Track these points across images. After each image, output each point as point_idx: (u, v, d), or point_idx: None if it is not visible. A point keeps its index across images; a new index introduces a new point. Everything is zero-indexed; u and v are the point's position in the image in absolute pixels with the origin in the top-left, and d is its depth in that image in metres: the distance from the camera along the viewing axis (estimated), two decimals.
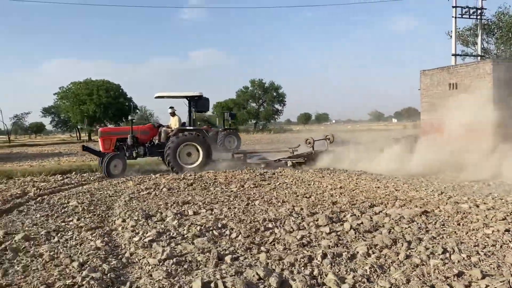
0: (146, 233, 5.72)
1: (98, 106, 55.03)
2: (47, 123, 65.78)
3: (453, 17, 20.19)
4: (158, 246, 5.13)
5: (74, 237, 5.82)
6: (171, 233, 5.76)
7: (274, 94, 76.42)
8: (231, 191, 9.49)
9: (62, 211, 7.74)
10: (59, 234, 5.98)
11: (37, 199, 9.04)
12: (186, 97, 14.54)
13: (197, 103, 14.40)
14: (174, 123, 14.59)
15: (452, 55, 20.43)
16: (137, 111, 63.45)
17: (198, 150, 13.99)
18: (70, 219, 7.00)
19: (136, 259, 4.73)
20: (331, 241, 5.13)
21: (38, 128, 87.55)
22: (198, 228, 5.90)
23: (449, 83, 15.74)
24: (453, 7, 20.07)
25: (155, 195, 9.29)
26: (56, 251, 5.07)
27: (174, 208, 7.66)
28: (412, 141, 17.64)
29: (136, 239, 5.50)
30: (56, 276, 4.12)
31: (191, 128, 14.33)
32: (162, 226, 6.24)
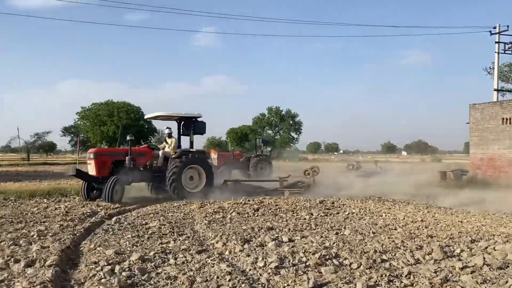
0: (266, 259, 5.54)
1: (118, 128, 55.39)
2: (65, 142, 66.18)
3: (496, 52, 20.25)
4: (288, 272, 4.95)
5: (188, 259, 5.65)
6: (290, 260, 5.58)
7: (291, 122, 76.71)
8: (304, 218, 9.30)
9: (149, 231, 7.59)
10: (170, 256, 5.82)
11: (112, 219, 8.94)
12: (184, 118, 13.45)
13: (195, 125, 13.44)
14: (170, 145, 13.43)
15: (495, 90, 20.41)
16: (156, 134, 63.66)
17: (200, 174, 13.15)
18: (166, 240, 6.84)
19: (281, 286, 4.54)
20: (473, 278, 4.91)
21: (50, 147, 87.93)
22: (317, 256, 5.70)
23: (502, 118, 15.62)
24: (496, 42, 20.17)
25: (230, 219, 9.12)
26: (187, 274, 4.91)
27: (263, 233, 7.48)
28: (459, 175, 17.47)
29: (260, 264, 5.32)
30: None
31: (195, 150, 13.41)
32: (273, 251, 6.05)
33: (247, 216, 9.54)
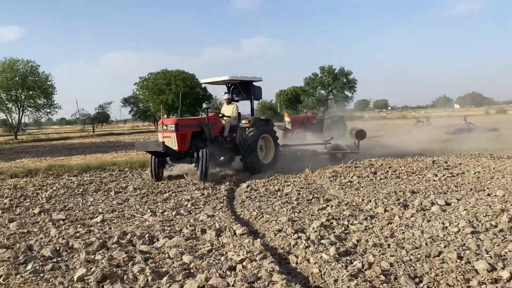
0: (452, 223, 5.43)
1: (177, 96, 56.27)
2: (126, 112, 68.31)
3: None
4: (490, 238, 4.81)
5: (367, 225, 5.63)
6: (479, 224, 5.43)
7: (344, 80, 74.80)
8: (433, 180, 9.06)
9: (293, 198, 7.64)
10: (344, 221, 5.83)
11: (241, 187, 9.11)
12: (244, 82, 12.01)
13: (255, 90, 12.13)
14: (230, 112, 11.84)
15: None
16: (211, 100, 64.20)
17: (269, 144, 11.92)
18: (320, 206, 6.85)
19: (497, 251, 4.42)
20: None
21: (104, 118, 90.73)
22: (505, 219, 5.51)
23: None
24: None
25: (359, 183, 9.04)
26: (388, 240, 4.89)
27: (410, 197, 7.35)
28: None
29: (453, 229, 5.21)
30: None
31: (264, 117, 12.22)
32: (449, 215, 5.93)
33: (370, 180, 9.42)
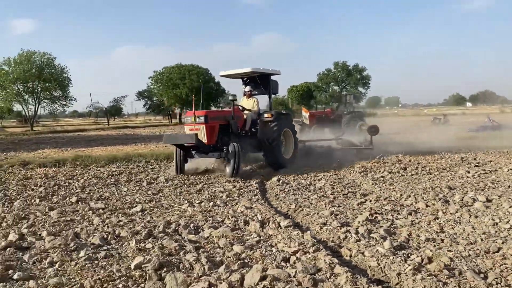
0: (503, 219, 5.34)
1: (191, 90, 56.40)
2: (140, 106, 68.34)
3: None
4: None
5: (413, 219, 5.57)
6: None
7: (358, 76, 74.32)
8: (466, 176, 8.94)
9: (328, 192, 7.59)
10: (388, 216, 5.78)
11: (271, 181, 9.07)
12: (263, 75, 11.58)
13: (272, 83, 11.71)
14: (251, 106, 11.40)
15: None
16: (225, 95, 64.28)
17: (289, 139, 11.59)
18: (359, 201, 6.80)
19: None
20: None
21: (116, 111, 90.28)
22: None
23: None
24: None
25: (391, 178, 8.96)
26: (438, 234, 4.82)
27: (449, 193, 7.26)
28: None
29: (504, 225, 5.12)
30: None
31: (284, 111, 12.28)
32: (494, 211, 5.84)
33: (401, 175, 9.33)
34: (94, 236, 5.10)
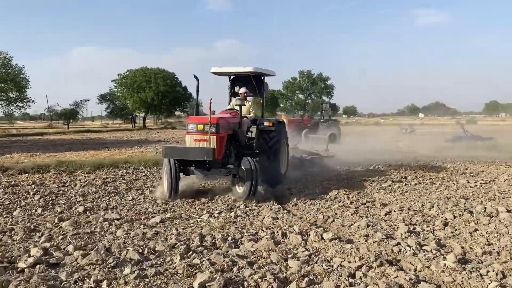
0: None
1: (156, 94, 55.21)
2: (97, 109, 65.63)
3: None
4: None
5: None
6: None
7: (322, 85, 75.63)
8: (470, 186, 9.09)
9: (346, 201, 7.46)
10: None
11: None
12: (259, 75, 9.93)
13: (264, 86, 10.12)
14: (246, 110, 9.50)
15: None
16: (191, 100, 63.35)
17: (284, 150, 10.12)
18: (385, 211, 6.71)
19: None
20: None
21: (71, 115, 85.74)
22: None
23: None
24: None
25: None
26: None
27: (469, 202, 7.31)
28: None
29: None
30: None
31: (280, 120, 10.17)
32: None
33: (405, 184, 9.40)
34: (127, 250, 4.68)
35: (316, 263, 4.40)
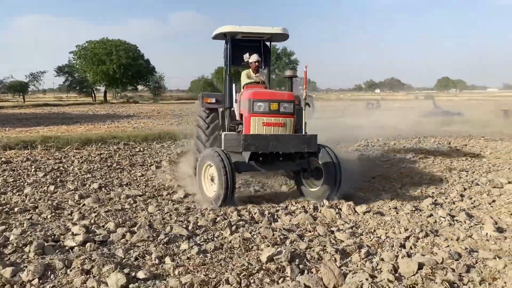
0: None
1: (118, 67, 53.41)
2: (60, 82, 62.04)
3: None
4: None
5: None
6: None
7: (287, 60, 75.58)
8: (464, 160, 9.54)
9: None
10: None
11: None
12: (272, 37, 7.42)
13: (269, 54, 7.88)
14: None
15: None
16: (155, 73, 61.88)
17: None
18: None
19: None
20: None
21: (21, 88, 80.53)
22: None
23: None
24: None
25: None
26: None
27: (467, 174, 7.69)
28: None
29: None
30: None
31: None
32: None
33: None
34: (171, 226, 4.64)
35: (362, 235, 4.55)
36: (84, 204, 5.64)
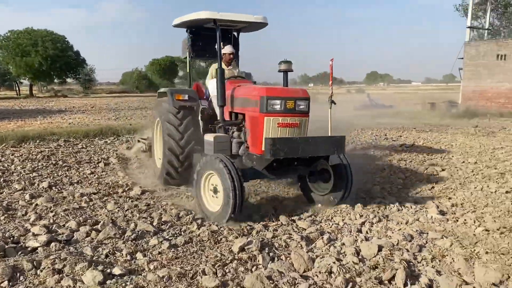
0: None
1: (45, 59, 50.39)
2: None
3: None
4: None
5: None
6: None
7: None
8: (400, 150, 10.25)
9: None
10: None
11: None
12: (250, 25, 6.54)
13: (238, 46, 7.15)
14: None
15: (468, 27, 22.28)
16: (85, 65, 59.18)
17: None
18: None
19: None
20: None
21: None
22: None
23: (497, 54, 17.64)
24: None
25: None
26: None
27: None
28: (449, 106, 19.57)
29: None
30: None
31: None
32: None
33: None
34: (135, 222, 4.66)
35: (321, 222, 4.84)
36: (37, 204, 5.43)
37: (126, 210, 5.20)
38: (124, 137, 11.82)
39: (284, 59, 5.17)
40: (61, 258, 3.60)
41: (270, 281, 3.26)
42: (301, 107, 5.12)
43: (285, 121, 5.08)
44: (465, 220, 4.81)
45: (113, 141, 11.19)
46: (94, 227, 4.50)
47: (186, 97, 6.41)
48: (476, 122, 16.43)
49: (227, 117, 5.80)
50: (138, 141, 9.09)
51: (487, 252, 3.81)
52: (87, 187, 6.37)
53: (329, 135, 5.69)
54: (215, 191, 4.91)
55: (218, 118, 5.82)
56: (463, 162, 8.39)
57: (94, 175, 7.21)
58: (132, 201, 5.64)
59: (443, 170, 7.64)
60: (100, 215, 5.00)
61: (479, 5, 27.14)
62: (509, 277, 3.36)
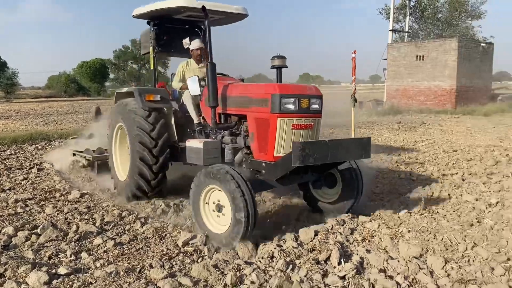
0: None
1: None
2: None
3: None
4: None
5: None
6: None
7: None
8: None
9: None
10: None
11: None
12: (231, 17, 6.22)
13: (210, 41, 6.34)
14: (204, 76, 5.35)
15: (390, 30, 23.85)
16: (6, 69, 55.48)
17: None
18: None
19: None
20: None
21: None
22: None
23: (416, 55, 19.05)
24: None
25: None
26: None
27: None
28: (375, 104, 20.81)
29: None
30: None
31: None
32: None
33: None
34: (77, 224, 4.64)
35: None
36: None
37: (66, 213, 5.13)
38: (56, 142, 11.40)
39: (278, 54, 4.63)
40: (1, 262, 3.55)
41: (216, 269, 3.45)
42: (315, 106, 4.46)
43: (300, 122, 4.38)
44: (391, 204, 5.29)
45: (45, 146, 10.76)
46: (34, 231, 4.42)
47: (158, 97, 5.62)
48: (399, 119, 17.68)
49: (218, 120, 5.03)
50: (74, 154, 8.06)
51: (409, 231, 4.26)
52: (21, 193, 6.15)
53: (353, 137, 5.05)
54: (220, 209, 4.19)
55: (195, 122, 5.35)
56: (388, 154, 9.07)
57: (28, 181, 6.96)
58: (71, 204, 5.55)
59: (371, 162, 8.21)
60: (39, 219, 4.91)
61: (399, 9, 29.17)
62: (427, 250, 3.80)
